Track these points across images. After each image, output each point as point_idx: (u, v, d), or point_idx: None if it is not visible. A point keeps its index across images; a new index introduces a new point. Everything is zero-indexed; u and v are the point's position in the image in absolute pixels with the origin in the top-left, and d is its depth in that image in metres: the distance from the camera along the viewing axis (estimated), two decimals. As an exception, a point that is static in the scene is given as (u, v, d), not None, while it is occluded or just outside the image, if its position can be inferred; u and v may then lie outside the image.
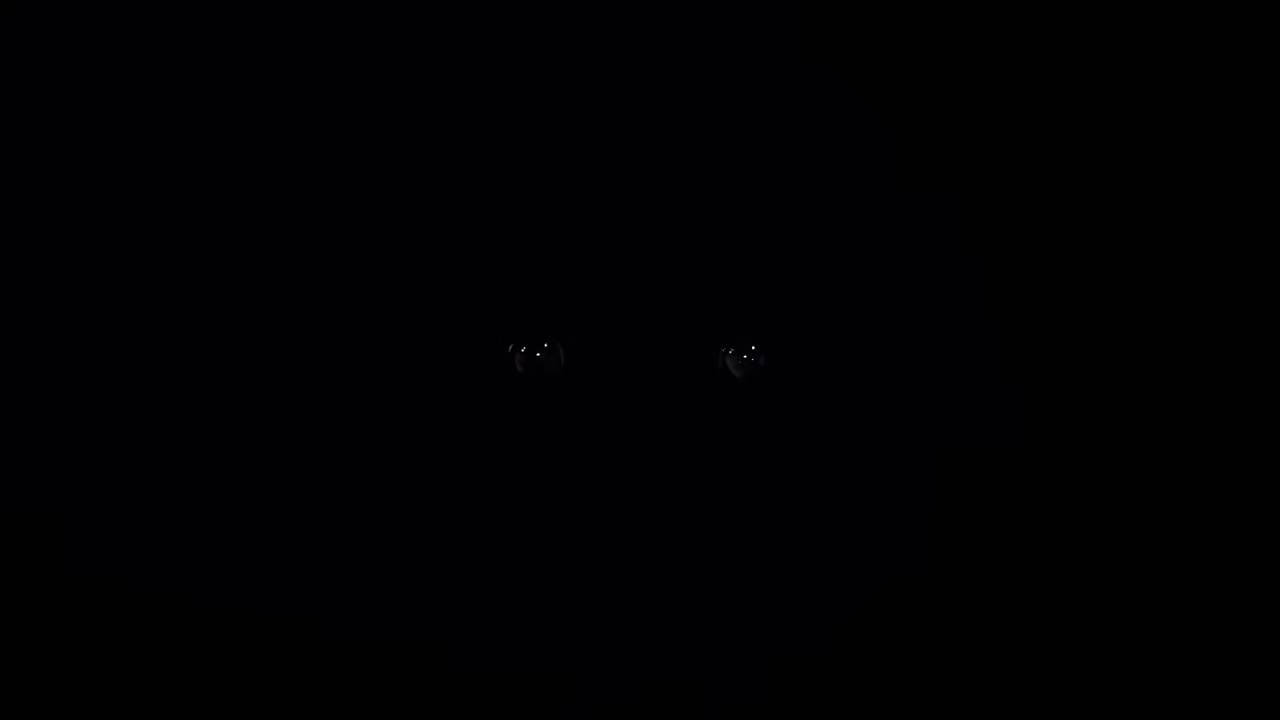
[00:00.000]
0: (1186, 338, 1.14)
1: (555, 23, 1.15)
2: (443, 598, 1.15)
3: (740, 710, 1.13)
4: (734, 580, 1.15)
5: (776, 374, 1.15)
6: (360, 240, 1.16)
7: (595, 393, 1.16)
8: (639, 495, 1.15)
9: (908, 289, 1.14)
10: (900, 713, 1.13)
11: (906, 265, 1.14)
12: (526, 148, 1.15)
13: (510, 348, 1.15)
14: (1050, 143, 1.14)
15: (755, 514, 1.15)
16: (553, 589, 1.15)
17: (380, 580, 1.15)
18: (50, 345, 1.15)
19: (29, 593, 1.14)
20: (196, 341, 1.15)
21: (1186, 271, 1.14)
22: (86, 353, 1.15)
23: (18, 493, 1.14)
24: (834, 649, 1.14)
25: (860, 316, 1.15)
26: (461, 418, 1.16)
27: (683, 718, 1.13)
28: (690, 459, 1.16)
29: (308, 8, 1.14)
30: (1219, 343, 1.14)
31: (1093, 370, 1.14)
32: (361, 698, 1.13)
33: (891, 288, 1.15)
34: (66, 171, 1.15)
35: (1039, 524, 1.14)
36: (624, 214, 1.16)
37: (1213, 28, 1.13)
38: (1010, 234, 1.14)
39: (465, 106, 1.15)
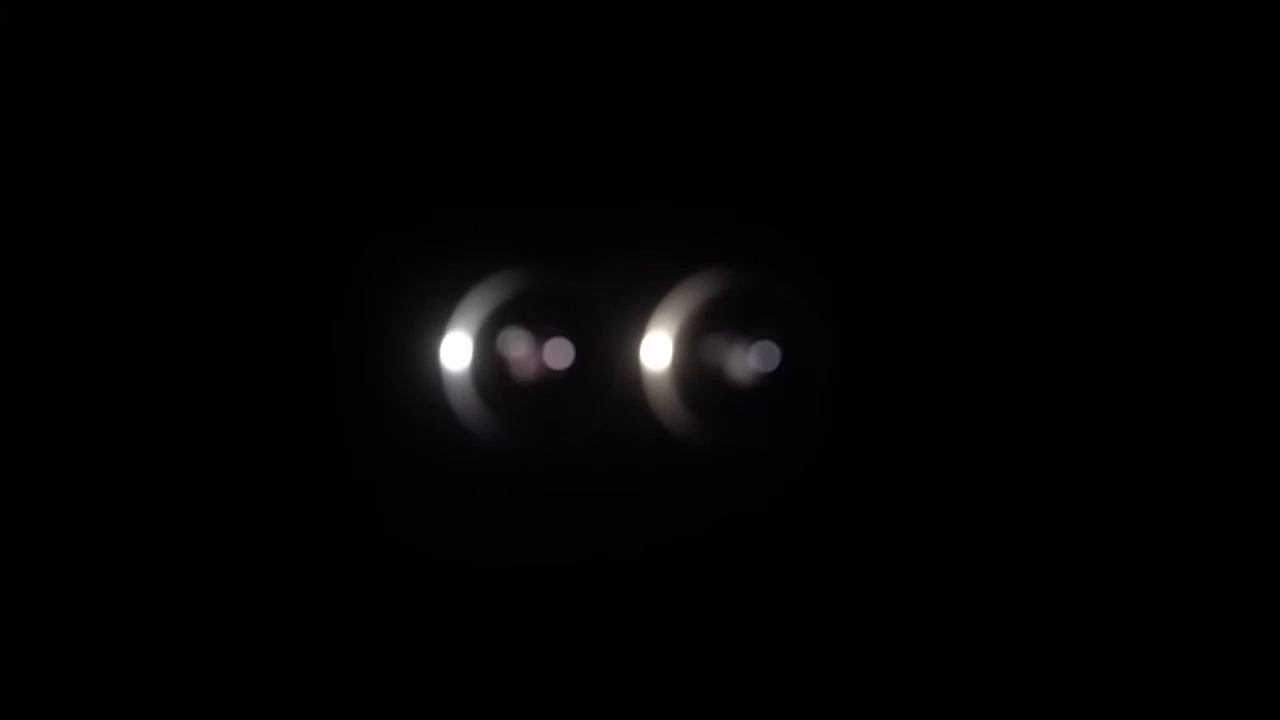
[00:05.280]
0: (1187, 338, 1.14)
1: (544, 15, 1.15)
2: (443, 601, 1.15)
3: (742, 712, 1.13)
4: (733, 582, 1.15)
5: (776, 374, 1.15)
6: (358, 238, 1.16)
7: (595, 392, 1.16)
8: (638, 495, 1.15)
9: (907, 290, 1.14)
10: (902, 713, 1.13)
11: (905, 266, 1.14)
12: (519, 141, 1.15)
13: (513, 346, 1.15)
14: (1051, 142, 1.14)
15: (752, 513, 1.15)
16: (552, 590, 1.15)
17: (381, 582, 1.15)
18: (50, 345, 1.15)
19: (29, 593, 1.14)
20: (198, 341, 1.15)
21: (1187, 272, 1.14)
22: (86, 352, 1.15)
23: (18, 493, 1.14)
24: (834, 650, 1.14)
25: (860, 317, 1.15)
26: (461, 415, 1.16)
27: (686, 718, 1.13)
28: (690, 459, 1.16)
29: None
30: (1220, 343, 1.13)
31: (1093, 370, 1.14)
32: (361, 699, 1.13)
33: (890, 288, 1.14)
34: (65, 171, 1.15)
35: (1039, 524, 1.14)
36: (624, 210, 1.16)
37: (1214, 28, 1.13)
38: (1011, 234, 1.14)
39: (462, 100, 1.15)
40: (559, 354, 1.15)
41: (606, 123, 1.15)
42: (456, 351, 1.16)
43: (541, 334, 1.15)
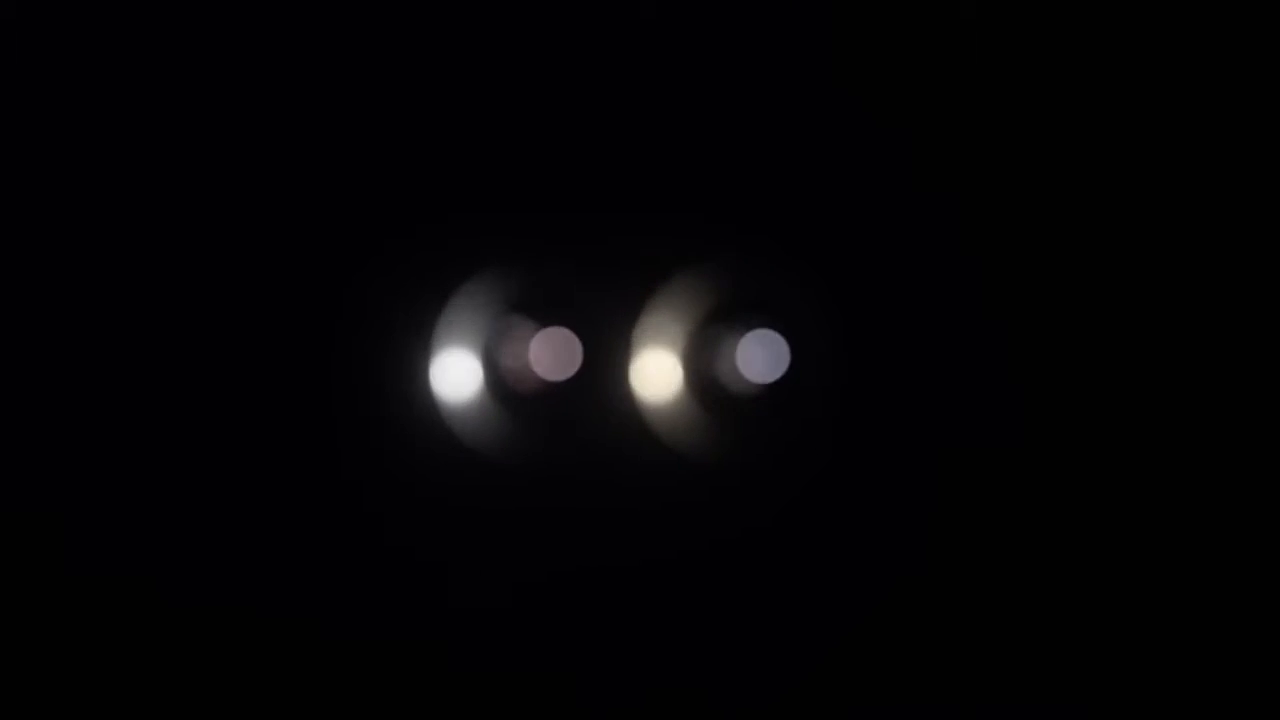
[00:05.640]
0: (1187, 338, 1.14)
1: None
2: (443, 612, 1.15)
3: (742, 712, 1.13)
4: (733, 581, 1.15)
5: (781, 381, 1.15)
6: (359, 239, 1.16)
7: (598, 391, 1.16)
8: (638, 495, 1.15)
9: (907, 289, 1.14)
10: (901, 713, 1.13)
11: (906, 265, 1.14)
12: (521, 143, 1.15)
13: (519, 345, 1.15)
14: (1051, 142, 1.14)
15: (751, 513, 1.15)
16: (553, 589, 1.15)
17: (381, 581, 1.15)
18: (49, 345, 1.15)
19: (29, 593, 1.14)
20: (198, 341, 1.15)
21: (1188, 271, 1.14)
22: (85, 352, 1.15)
23: (18, 493, 1.15)
24: (834, 650, 1.14)
25: (861, 316, 1.15)
26: (457, 427, 1.16)
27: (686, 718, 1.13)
28: (691, 459, 1.16)
29: None
30: (1220, 343, 1.13)
31: (1093, 370, 1.14)
32: (361, 698, 1.14)
33: (891, 288, 1.14)
34: (55, 173, 1.15)
35: (1039, 524, 1.14)
36: (623, 215, 1.16)
37: (1214, 27, 1.13)
38: (1012, 234, 1.14)
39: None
40: (558, 364, 1.15)
41: (605, 124, 1.15)
42: (452, 361, 1.16)
43: (539, 342, 1.15)
